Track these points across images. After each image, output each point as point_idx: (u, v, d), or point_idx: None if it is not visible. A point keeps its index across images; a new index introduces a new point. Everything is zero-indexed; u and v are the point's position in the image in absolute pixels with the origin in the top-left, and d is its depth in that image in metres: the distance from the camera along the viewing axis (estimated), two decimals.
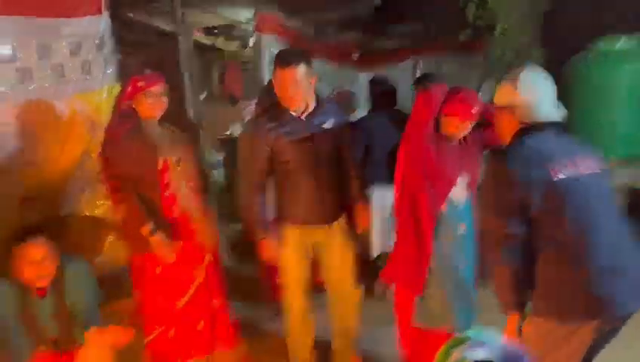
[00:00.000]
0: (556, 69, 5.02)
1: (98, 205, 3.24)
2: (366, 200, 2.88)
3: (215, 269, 2.86)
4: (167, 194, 2.65)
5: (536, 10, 4.89)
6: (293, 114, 2.58)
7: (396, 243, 2.64)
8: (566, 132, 1.90)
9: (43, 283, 2.25)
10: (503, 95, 1.94)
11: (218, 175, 6.09)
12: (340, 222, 2.77)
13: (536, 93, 1.87)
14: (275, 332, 3.18)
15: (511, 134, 1.92)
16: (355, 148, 3.07)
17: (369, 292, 3.49)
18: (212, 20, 5.35)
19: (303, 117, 2.59)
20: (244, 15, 5.25)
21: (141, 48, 4.81)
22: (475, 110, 2.40)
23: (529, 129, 1.87)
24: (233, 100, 6.84)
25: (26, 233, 2.22)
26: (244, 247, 3.86)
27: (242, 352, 2.98)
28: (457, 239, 2.51)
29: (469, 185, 2.53)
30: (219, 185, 5.89)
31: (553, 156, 1.79)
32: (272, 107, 2.65)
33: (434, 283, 2.51)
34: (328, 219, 2.73)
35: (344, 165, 2.76)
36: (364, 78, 4.16)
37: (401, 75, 5.50)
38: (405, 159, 2.52)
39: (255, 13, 5.06)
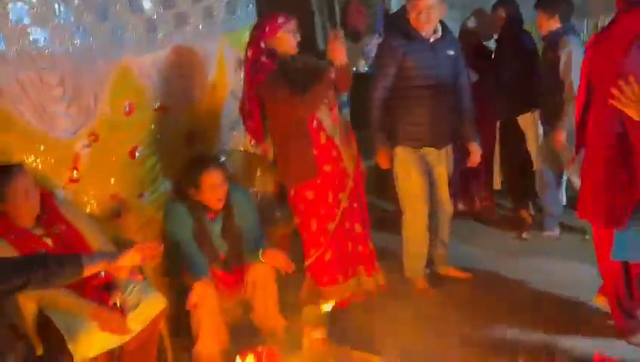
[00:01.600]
0: None
1: (246, 141, 3.45)
2: (476, 136, 3.15)
3: (357, 196, 2.97)
4: (314, 124, 2.78)
5: None
6: (423, 36, 2.88)
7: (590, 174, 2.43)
8: None
9: (219, 205, 2.51)
10: None
11: (345, 114, 6.16)
12: (448, 149, 3.14)
13: None
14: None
15: None
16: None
17: None
18: None
19: (431, 40, 2.92)
20: None
21: None
22: None
23: None
24: (355, 36, 6.77)
25: (206, 161, 2.47)
26: (377, 183, 4.02)
27: (381, 279, 3.08)
28: None
29: None
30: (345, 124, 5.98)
31: None
32: (403, 27, 2.94)
33: None
34: (441, 144, 3.06)
35: (460, 95, 3.06)
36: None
37: None
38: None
39: None
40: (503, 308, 2.91)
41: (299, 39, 2.78)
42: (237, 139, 3.39)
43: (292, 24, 2.74)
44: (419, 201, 3.05)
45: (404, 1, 4.90)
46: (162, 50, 2.84)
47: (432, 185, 3.10)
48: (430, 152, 3.05)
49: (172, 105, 2.90)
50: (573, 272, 3.17)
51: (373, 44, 5.51)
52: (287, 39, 2.72)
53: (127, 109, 2.69)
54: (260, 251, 2.53)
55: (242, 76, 2.99)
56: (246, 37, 3.29)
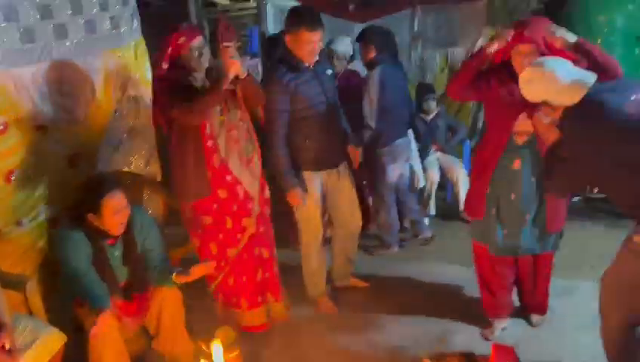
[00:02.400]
0: (555, 11, 5.24)
1: (131, 161, 3.29)
2: (357, 141, 3.33)
3: (264, 220, 2.93)
4: (209, 144, 2.70)
5: None
6: (305, 64, 2.88)
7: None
8: None
9: (120, 230, 2.35)
10: (540, 92, 2.05)
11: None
12: (345, 165, 3.19)
13: (563, 73, 2.00)
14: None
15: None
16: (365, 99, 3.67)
17: None
18: None
19: (311, 66, 2.91)
20: None
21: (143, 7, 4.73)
22: None
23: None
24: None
25: (106, 184, 2.30)
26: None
27: (287, 303, 3.12)
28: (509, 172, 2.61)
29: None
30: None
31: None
32: (286, 59, 2.90)
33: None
34: (338, 162, 3.11)
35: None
36: (359, 29, 4.22)
37: (397, 25, 5.57)
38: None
39: None
40: (398, 309, 3.14)
41: (207, 54, 2.68)
42: (122, 160, 3.22)
43: (197, 40, 2.62)
44: (316, 224, 3.09)
45: (280, 25, 5.15)
46: (41, 64, 2.61)
47: (335, 205, 3.16)
48: (331, 173, 3.09)
49: (53, 125, 2.67)
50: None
51: (246, 65, 5.58)
52: (191, 57, 2.62)
53: (0, 128, 2.43)
54: (174, 273, 2.42)
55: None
56: (131, 53, 3.19)
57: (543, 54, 2.38)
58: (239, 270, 2.83)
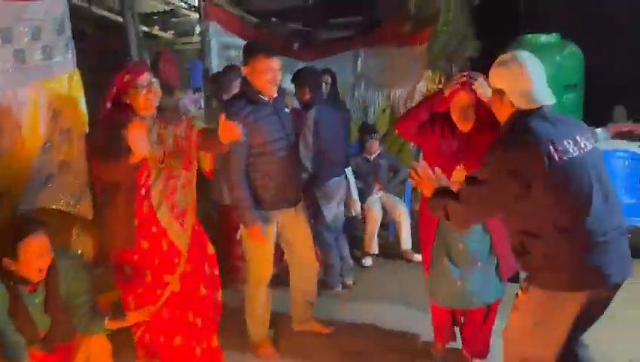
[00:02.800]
0: (490, 58, 5.52)
1: (60, 198, 3.09)
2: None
3: (196, 279, 2.63)
4: (142, 191, 2.52)
5: (469, 4, 5.25)
6: (265, 98, 2.81)
7: None
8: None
9: (41, 276, 2.16)
10: (496, 78, 1.99)
11: None
12: (302, 204, 3.11)
13: (530, 76, 1.93)
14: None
15: (505, 116, 2.00)
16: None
17: None
18: (154, 7, 5.18)
19: (271, 101, 2.85)
20: (187, 2, 5.14)
21: (81, 37, 4.56)
22: None
23: (527, 112, 1.92)
24: (169, 90, 6.66)
25: (25, 227, 2.11)
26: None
27: None
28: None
29: None
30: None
31: (555, 138, 1.86)
32: (245, 93, 2.84)
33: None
34: (296, 201, 3.03)
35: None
36: None
37: (342, 65, 5.69)
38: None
39: (200, 2, 4.98)
40: (340, 353, 3.09)
41: (157, 93, 2.51)
42: (50, 197, 3.02)
43: (143, 78, 2.45)
44: (266, 267, 2.97)
45: (224, 60, 5.12)
46: None
47: (291, 245, 3.07)
48: (288, 213, 2.99)
49: None
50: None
51: (188, 99, 5.49)
52: (138, 96, 2.45)
53: None
54: (107, 319, 2.22)
55: None
56: (65, 84, 3.04)
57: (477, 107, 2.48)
58: (157, 329, 2.61)
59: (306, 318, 3.28)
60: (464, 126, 2.54)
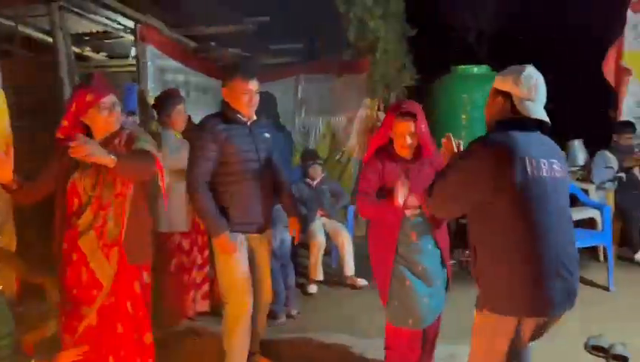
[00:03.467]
0: (425, 87, 5.72)
1: None
2: (297, 212, 3.15)
3: (114, 317, 2.41)
4: (72, 220, 2.40)
5: (405, 35, 5.44)
6: (243, 119, 2.81)
7: None
8: (546, 134, 2.01)
9: None
10: (502, 81, 1.99)
11: None
12: (269, 233, 3.02)
13: (535, 91, 1.94)
14: None
15: (496, 118, 1.98)
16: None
17: None
18: (87, 27, 4.97)
19: (249, 123, 2.83)
20: (122, 24, 4.96)
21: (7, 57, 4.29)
22: None
23: (516, 122, 1.91)
24: None
25: None
26: None
27: None
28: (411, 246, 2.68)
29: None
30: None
31: (533, 153, 1.86)
32: (222, 112, 2.83)
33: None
34: (264, 228, 2.93)
35: (275, 177, 2.99)
36: None
37: (283, 91, 5.69)
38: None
39: (136, 24, 4.83)
40: None
41: (118, 116, 2.38)
42: None
43: (107, 100, 2.32)
44: (245, 293, 2.80)
45: (160, 84, 4.97)
46: None
47: (252, 272, 2.91)
48: (253, 238, 2.89)
49: None
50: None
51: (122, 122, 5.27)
52: (98, 118, 2.32)
53: None
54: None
55: None
56: None
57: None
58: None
59: (253, 350, 3.09)
60: (405, 152, 2.67)
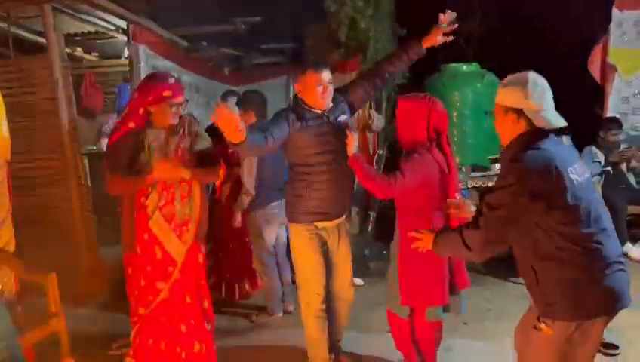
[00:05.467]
0: (416, 86, 5.76)
1: None
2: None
3: (189, 291, 2.72)
4: (142, 201, 2.65)
5: (396, 34, 5.49)
6: (318, 111, 2.73)
7: None
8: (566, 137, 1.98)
9: None
10: (510, 97, 1.95)
11: None
12: (345, 225, 3.00)
13: (544, 98, 1.92)
14: None
15: (512, 136, 1.95)
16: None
17: None
18: (78, 27, 4.98)
19: (326, 113, 2.73)
20: (114, 24, 4.98)
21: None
22: None
23: (540, 134, 1.90)
24: (90, 114, 6.38)
25: None
26: None
27: None
28: None
29: None
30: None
31: (567, 161, 1.87)
32: (295, 107, 2.75)
33: None
34: (340, 215, 2.90)
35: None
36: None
37: (274, 91, 5.71)
38: None
39: (129, 24, 4.84)
40: None
41: (180, 113, 2.60)
42: None
43: (180, 100, 2.55)
44: (316, 284, 2.82)
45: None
46: None
47: (332, 265, 2.92)
48: (329, 228, 2.86)
49: None
50: None
51: (113, 121, 5.28)
52: (165, 113, 2.53)
53: None
54: None
55: None
56: None
57: None
58: (146, 332, 2.70)
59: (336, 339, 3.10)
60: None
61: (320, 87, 2.67)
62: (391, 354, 3.12)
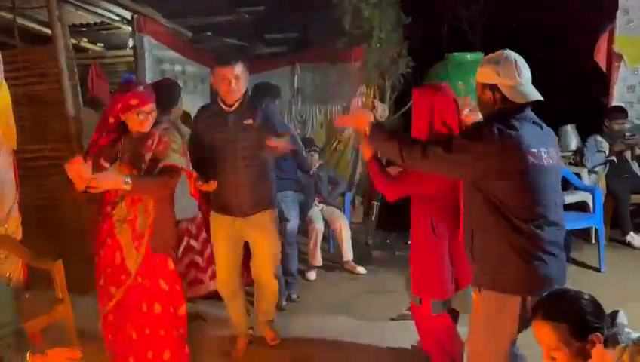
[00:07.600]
0: (421, 75, 5.76)
1: None
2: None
3: (140, 296, 2.61)
4: (108, 209, 2.61)
5: (400, 23, 5.46)
6: (224, 107, 2.91)
7: None
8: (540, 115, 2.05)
9: None
10: (485, 74, 2.01)
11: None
12: (259, 216, 3.05)
13: (519, 73, 1.97)
14: None
15: (490, 110, 2.01)
16: None
17: None
18: (83, 18, 5.00)
19: (230, 110, 2.91)
20: (119, 15, 4.99)
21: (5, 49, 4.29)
22: None
23: (514, 110, 1.96)
24: (97, 105, 6.41)
25: None
26: None
27: None
28: None
29: None
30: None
31: (533, 143, 1.92)
32: (213, 99, 3.03)
33: None
34: (248, 213, 3.01)
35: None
36: None
37: (279, 81, 5.73)
38: None
39: (134, 15, 4.87)
40: None
41: (152, 120, 2.56)
42: None
43: (147, 108, 2.51)
44: (224, 270, 3.10)
45: (158, 74, 5.01)
46: None
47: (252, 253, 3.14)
48: (242, 222, 3.02)
49: None
50: None
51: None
52: (133, 121, 2.53)
53: None
54: (29, 352, 2.02)
55: None
56: None
57: None
58: (105, 329, 2.70)
59: (261, 327, 3.33)
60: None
61: (225, 82, 2.82)
62: (392, 342, 3.16)
